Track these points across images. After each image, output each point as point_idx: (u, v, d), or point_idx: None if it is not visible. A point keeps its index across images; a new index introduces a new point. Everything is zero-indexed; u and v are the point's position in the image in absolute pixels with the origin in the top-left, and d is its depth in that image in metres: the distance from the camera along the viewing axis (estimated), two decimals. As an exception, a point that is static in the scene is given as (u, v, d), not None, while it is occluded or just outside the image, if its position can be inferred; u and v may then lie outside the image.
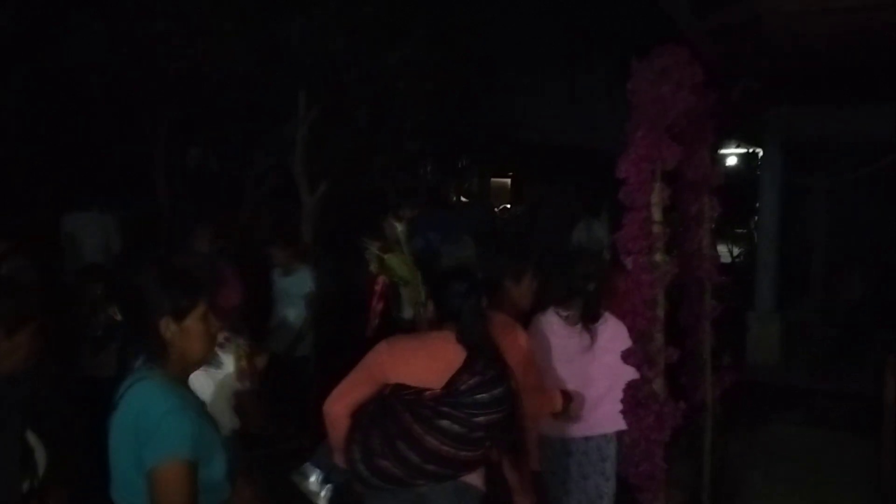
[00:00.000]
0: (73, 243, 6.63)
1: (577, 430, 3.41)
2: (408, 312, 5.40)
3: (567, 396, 3.20)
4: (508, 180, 13.32)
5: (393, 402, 2.51)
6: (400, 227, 3.96)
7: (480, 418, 2.44)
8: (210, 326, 2.11)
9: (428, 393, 2.48)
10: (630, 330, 2.97)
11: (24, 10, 6.14)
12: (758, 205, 8.75)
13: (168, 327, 2.01)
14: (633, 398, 2.86)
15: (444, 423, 2.42)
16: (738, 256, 11.06)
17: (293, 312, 5.44)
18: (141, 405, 1.94)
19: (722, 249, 9.57)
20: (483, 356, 2.53)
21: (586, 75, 10.65)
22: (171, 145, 8.55)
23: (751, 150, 11.28)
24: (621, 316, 3.21)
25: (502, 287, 3.29)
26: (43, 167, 7.32)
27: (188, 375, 2.12)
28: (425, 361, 2.54)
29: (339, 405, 2.60)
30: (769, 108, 7.29)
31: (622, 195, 2.86)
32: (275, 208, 8.66)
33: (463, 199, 10.73)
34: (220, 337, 2.98)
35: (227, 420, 3.12)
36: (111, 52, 7.06)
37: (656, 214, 2.85)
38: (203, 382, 2.96)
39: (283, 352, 5.22)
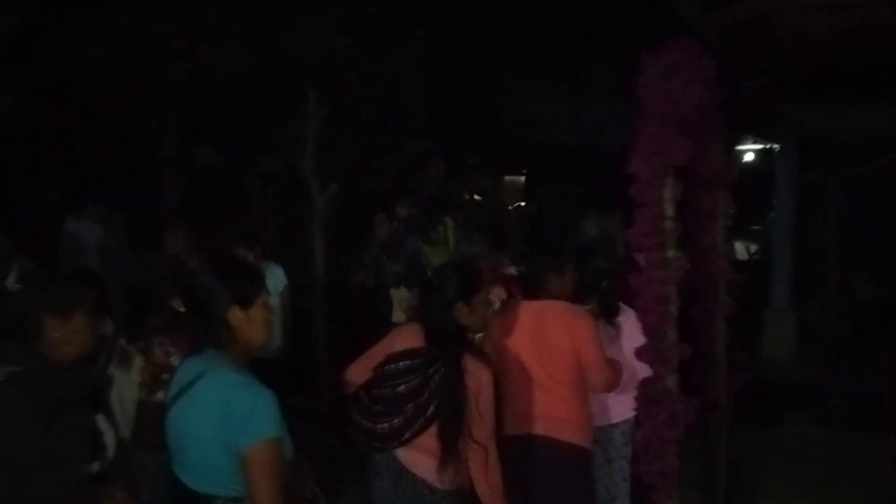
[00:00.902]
0: (73, 244, 6.62)
1: (604, 419, 3.55)
2: (398, 316, 5.40)
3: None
4: (522, 178, 13.29)
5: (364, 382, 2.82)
6: (451, 226, 4.21)
7: (402, 388, 2.65)
8: (270, 314, 2.24)
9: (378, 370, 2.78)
10: (642, 327, 2.95)
11: (30, 14, 6.18)
12: (773, 202, 8.68)
13: (235, 315, 2.13)
14: (646, 396, 2.84)
15: (375, 392, 2.73)
16: (754, 254, 10.97)
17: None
18: (226, 393, 2.05)
19: (738, 247, 9.50)
20: (438, 342, 2.71)
21: (597, 73, 10.60)
22: (178, 146, 8.58)
23: (767, 147, 11.19)
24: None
25: (546, 279, 3.33)
26: (50, 168, 7.36)
27: (249, 361, 2.21)
28: (398, 344, 2.81)
29: (353, 375, 2.91)
30: (782, 105, 7.23)
31: (633, 191, 2.84)
32: (283, 209, 8.66)
33: (476, 197, 10.71)
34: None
35: None
36: (117, 54, 7.10)
37: (668, 210, 2.82)
38: None
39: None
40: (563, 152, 11.35)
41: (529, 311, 3.27)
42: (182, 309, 2.29)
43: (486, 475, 2.68)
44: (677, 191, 2.86)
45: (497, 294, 4.02)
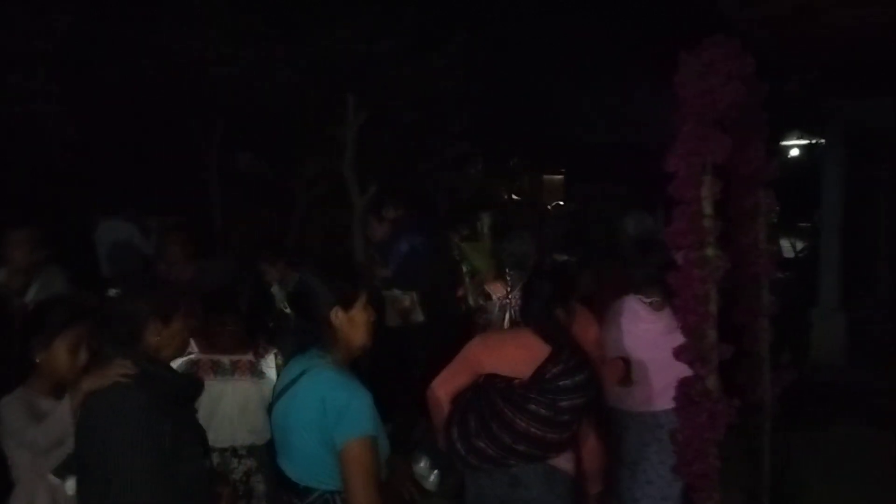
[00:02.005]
0: (108, 249, 6.66)
1: (666, 403, 3.58)
2: (393, 319, 5.35)
3: (627, 364, 3.50)
4: (561, 177, 13.25)
5: (487, 388, 2.79)
6: (487, 222, 4.24)
7: (564, 402, 2.69)
8: (370, 315, 2.34)
9: (517, 381, 2.75)
10: (681, 326, 2.92)
11: (77, 21, 6.36)
12: (821, 198, 8.48)
13: (337, 316, 2.25)
14: (686, 396, 2.81)
15: (532, 407, 2.68)
16: (801, 251, 10.74)
17: None
18: (325, 390, 2.18)
19: (784, 244, 9.31)
20: (565, 348, 2.78)
21: (636, 71, 10.50)
22: (221, 151, 8.74)
23: (813, 142, 10.94)
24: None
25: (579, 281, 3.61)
26: (96, 174, 7.55)
27: (350, 361, 2.33)
28: (514, 353, 2.82)
29: (440, 391, 2.92)
30: (829, 98, 7.07)
31: (671, 189, 2.82)
32: (324, 211, 8.76)
33: (515, 196, 10.72)
34: (260, 348, 3.13)
35: (267, 429, 3.16)
36: (162, 61, 7.27)
37: (707, 208, 2.79)
38: (248, 390, 3.03)
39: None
40: (602, 151, 11.29)
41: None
42: (287, 310, 2.41)
43: (595, 454, 2.89)
44: (716, 189, 2.82)
45: (497, 289, 4.10)
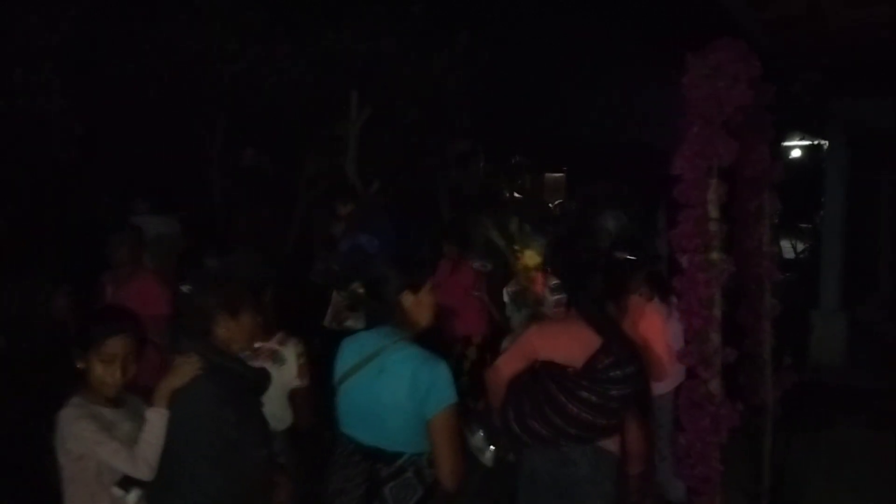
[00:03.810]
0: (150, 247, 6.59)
1: (673, 384, 3.83)
2: (356, 321, 5.28)
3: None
4: (563, 175, 13.24)
5: (542, 374, 2.94)
6: (519, 226, 4.34)
7: (614, 392, 2.81)
8: (435, 298, 2.57)
9: (570, 369, 2.88)
10: (685, 330, 2.92)
11: (85, 18, 6.34)
12: (823, 199, 8.47)
13: (407, 298, 2.49)
14: (689, 399, 2.81)
15: (584, 394, 2.81)
16: (801, 252, 10.73)
17: None
18: (413, 366, 2.41)
19: (785, 245, 9.31)
20: (616, 340, 2.90)
21: (639, 70, 10.48)
22: (225, 147, 8.73)
23: (815, 143, 10.93)
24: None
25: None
26: (102, 169, 7.54)
27: (416, 339, 2.53)
28: (568, 343, 2.95)
29: (499, 374, 3.09)
30: (833, 100, 7.06)
31: (677, 192, 2.82)
32: (327, 207, 8.75)
33: (517, 194, 10.71)
34: (280, 335, 3.19)
35: (286, 415, 3.20)
36: (169, 58, 7.26)
37: (713, 212, 2.79)
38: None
39: None
40: (604, 150, 11.27)
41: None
42: (361, 291, 2.60)
43: (639, 436, 3.01)
44: (722, 192, 2.82)
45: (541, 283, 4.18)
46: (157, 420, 2.34)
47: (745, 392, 3.64)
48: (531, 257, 4.41)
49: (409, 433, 2.43)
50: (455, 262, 5.79)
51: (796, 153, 12.37)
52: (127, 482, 2.37)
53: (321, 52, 7.60)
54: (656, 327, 3.72)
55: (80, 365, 2.44)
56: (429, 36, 7.81)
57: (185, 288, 2.59)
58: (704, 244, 2.77)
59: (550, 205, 11.83)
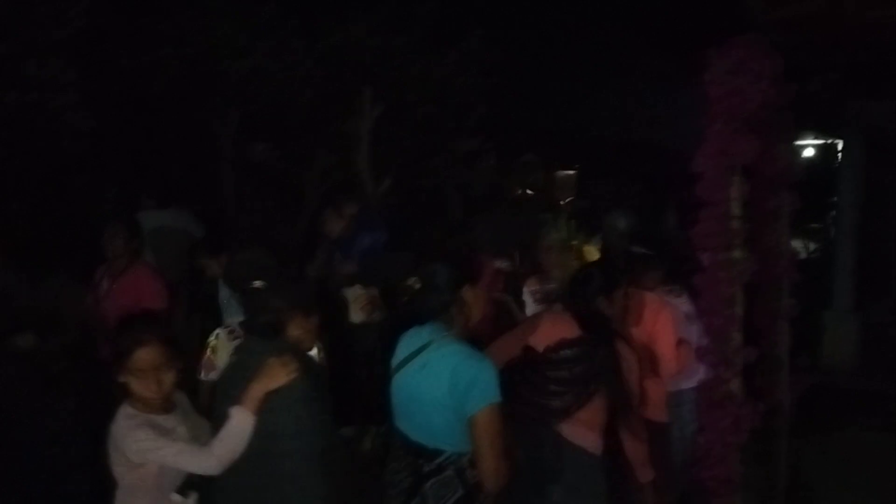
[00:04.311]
0: (155, 241, 6.54)
1: (691, 382, 3.90)
2: (357, 316, 5.26)
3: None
4: (574, 173, 13.20)
5: (520, 361, 3.07)
6: (567, 223, 4.42)
7: (564, 373, 2.92)
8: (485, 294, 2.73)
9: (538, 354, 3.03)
10: (705, 329, 2.90)
11: (96, 11, 6.34)
12: (835, 199, 8.41)
13: (468, 292, 2.57)
14: (709, 399, 2.78)
15: (538, 377, 2.96)
16: (813, 252, 10.66)
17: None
18: (455, 362, 2.42)
19: (796, 245, 9.24)
20: (592, 331, 3.00)
21: (651, 68, 10.45)
22: (235, 142, 8.72)
23: (829, 142, 10.86)
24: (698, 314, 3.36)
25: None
26: (112, 164, 7.54)
27: (466, 335, 2.58)
28: (549, 332, 3.07)
29: (495, 357, 3.02)
30: (849, 99, 7.00)
31: (698, 190, 2.79)
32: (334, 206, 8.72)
33: (528, 192, 10.69)
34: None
35: None
36: (178, 52, 7.25)
37: (735, 209, 2.76)
38: None
39: None
40: (616, 148, 11.24)
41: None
42: (416, 286, 2.64)
43: (634, 441, 3.04)
44: (744, 190, 2.79)
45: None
46: (242, 421, 2.30)
47: (761, 393, 3.60)
48: (590, 252, 4.48)
49: (450, 431, 2.42)
50: None
51: (809, 152, 12.30)
52: (186, 487, 2.38)
53: (332, 48, 7.58)
54: (668, 323, 3.75)
55: (121, 379, 2.40)
56: (440, 32, 7.79)
57: (258, 284, 2.58)
58: (726, 242, 2.75)
59: (561, 202, 11.79)
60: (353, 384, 4.61)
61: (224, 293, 4.74)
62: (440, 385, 2.41)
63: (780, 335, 3.67)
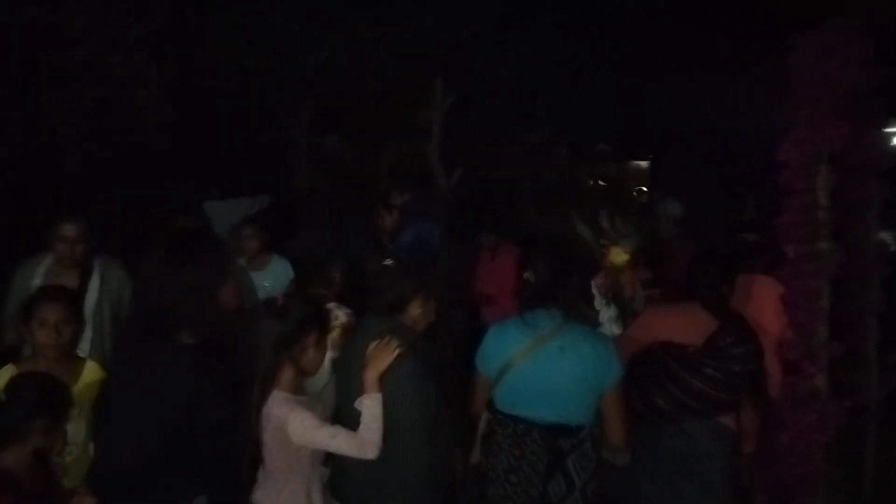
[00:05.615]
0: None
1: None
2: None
3: None
4: (647, 163, 12.95)
5: (660, 354, 3.06)
6: (609, 219, 4.28)
7: (736, 368, 2.91)
8: None
9: (692, 348, 3.00)
10: (788, 322, 2.80)
11: (176, 9, 6.53)
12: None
13: (599, 279, 2.95)
14: (792, 394, 2.69)
15: (708, 371, 2.92)
16: (901, 245, 10.16)
17: None
18: (591, 343, 2.65)
19: (885, 237, 8.82)
20: (733, 321, 2.99)
21: (730, 58, 10.13)
22: (308, 134, 8.87)
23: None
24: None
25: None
26: (192, 157, 7.76)
27: None
28: (686, 325, 3.06)
29: (622, 351, 3.15)
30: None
31: (783, 179, 2.69)
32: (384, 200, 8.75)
33: (600, 182, 10.54)
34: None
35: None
36: (254, 48, 7.41)
37: (822, 199, 2.66)
38: None
39: None
40: (691, 137, 10.98)
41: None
42: (532, 279, 2.74)
43: (754, 415, 3.09)
44: (831, 179, 2.68)
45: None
46: (374, 405, 2.47)
47: (846, 390, 3.47)
48: (617, 255, 4.29)
49: (588, 406, 2.66)
50: (492, 251, 5.62)
51: (897, 141, 11.74)
52: (329, 458, 2.61)
53: (403, 40, 7.61)
54: (775, 307, 3.68)
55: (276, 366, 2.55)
56: (510, 22, 7.73)
57: (388, 261, 2.71)
58: (812, 233, 2.64)
59: (635, 193, 11.60)
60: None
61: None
62: (583, 363, 2.61)
63: (868, 331, 3.53)
